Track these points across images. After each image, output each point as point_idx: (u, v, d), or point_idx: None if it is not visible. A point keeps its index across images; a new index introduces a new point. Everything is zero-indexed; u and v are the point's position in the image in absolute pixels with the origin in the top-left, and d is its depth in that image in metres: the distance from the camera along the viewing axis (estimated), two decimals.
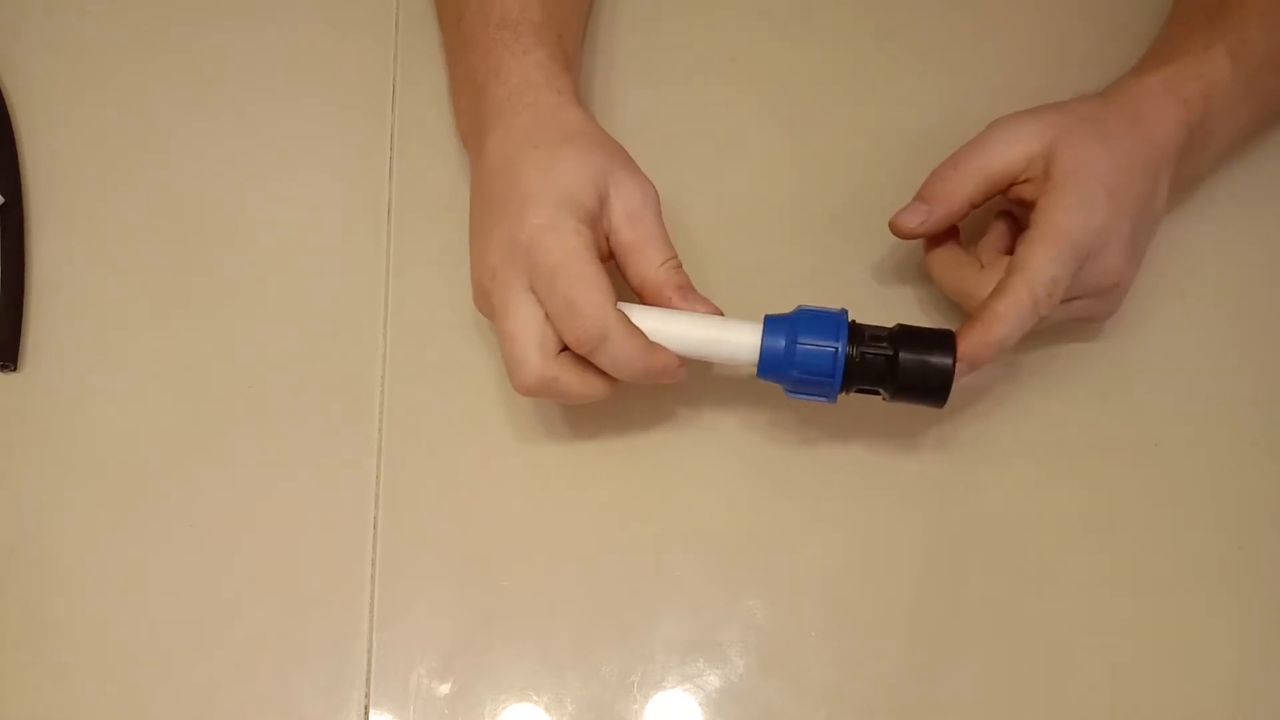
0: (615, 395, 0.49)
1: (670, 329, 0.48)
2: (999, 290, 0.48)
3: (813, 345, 0.46)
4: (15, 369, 0.55)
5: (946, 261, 0.53)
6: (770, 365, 0.47)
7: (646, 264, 0.48)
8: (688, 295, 0.48)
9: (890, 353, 0.46)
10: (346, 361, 0.55)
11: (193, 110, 0.60)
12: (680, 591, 0.52)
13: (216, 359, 0.55)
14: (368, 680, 0.50)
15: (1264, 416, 0.54)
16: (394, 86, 0.61)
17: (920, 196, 0.52)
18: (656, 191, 0.49)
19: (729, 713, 0.50)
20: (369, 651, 0.51)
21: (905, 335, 0.47)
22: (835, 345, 0.46)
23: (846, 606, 0.51)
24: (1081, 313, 0.52)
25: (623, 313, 0.47)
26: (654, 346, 0.47)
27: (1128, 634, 0.51)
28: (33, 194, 0.58)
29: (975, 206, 0.51)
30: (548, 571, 0.52)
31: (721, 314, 0.49)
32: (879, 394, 0.48)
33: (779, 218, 0.58)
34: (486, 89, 0.51)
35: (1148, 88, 0.52)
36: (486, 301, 0.49)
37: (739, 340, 0.47)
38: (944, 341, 0.46)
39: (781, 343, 0.46)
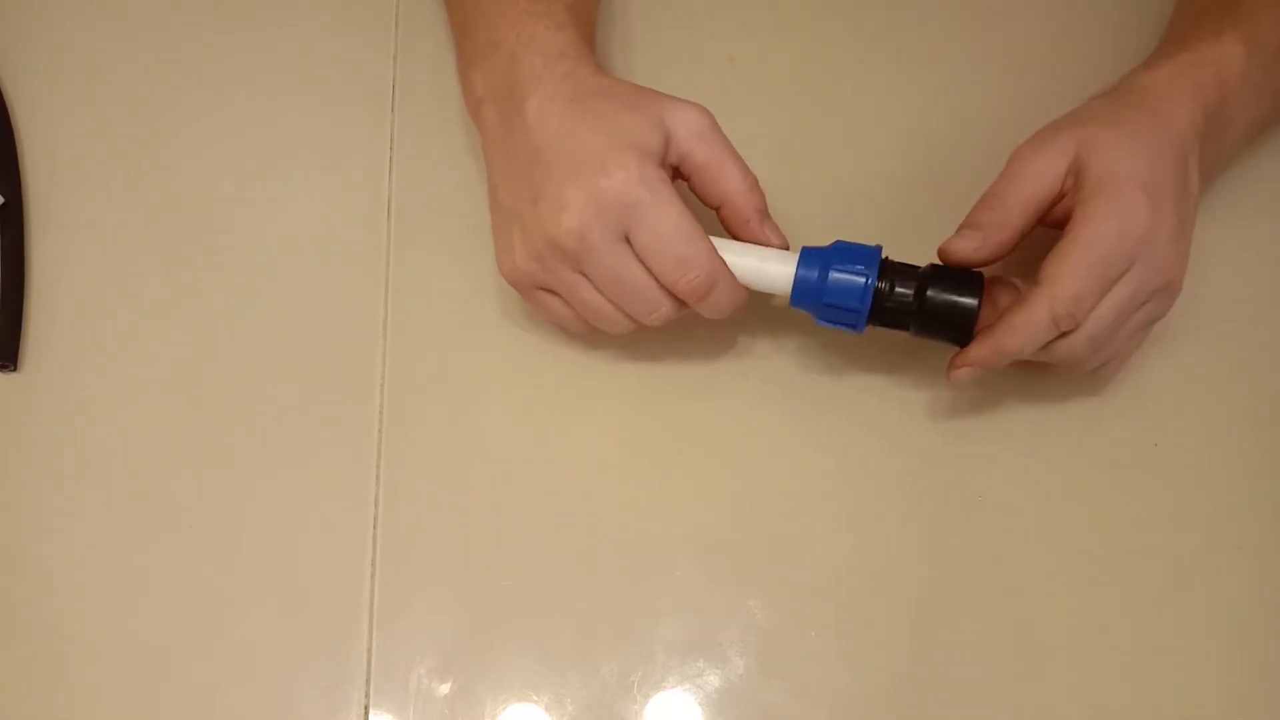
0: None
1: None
2: (1021, 301, 0.48)
3: (845, 274, 0.47)
4: (15, 369, 0.55)
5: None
6: (803, 292, 0.48)
7: (728, 181, 0.49)
8: (765, 221, 0.50)
9: (919, 288, 0.48)
10: (346, 361, 0.55)
11: (192, 110, 0.60)
12: (680, 591, 0.52)
13: (216, 359, 0.55)
14: (368, 680, 0.50)
15: (1264, 416, 0.54)
16: (394, 86, 0.61)
17: (971, 223, 0.49)
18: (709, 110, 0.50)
19: (729, 713, 0.50)
20: (369, 651, 0.51)
21: (935, 274, 0.48)
22: (867, 275, 0.47)
23: (847, 606, 0.51)
24: (1146, 317, 0.50)
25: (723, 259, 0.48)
26: (740, 287, 0.49)
27: (1128, 634, 0.51)
28: (33, 194, 0.58)
29: (1025, 237, 0.50)
30: (548, 571, 0.52)
31: (788, 246, 0.50)
32: (906, 329, 0.49)
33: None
34: (519, 55, 0.50)
35: (1159, 79, 0.50)
36: (553, 265, 0.48)
37: (776, 270, 0.49)
38: (972, 281, 0.48)
39: (815, 274, 0.48)
